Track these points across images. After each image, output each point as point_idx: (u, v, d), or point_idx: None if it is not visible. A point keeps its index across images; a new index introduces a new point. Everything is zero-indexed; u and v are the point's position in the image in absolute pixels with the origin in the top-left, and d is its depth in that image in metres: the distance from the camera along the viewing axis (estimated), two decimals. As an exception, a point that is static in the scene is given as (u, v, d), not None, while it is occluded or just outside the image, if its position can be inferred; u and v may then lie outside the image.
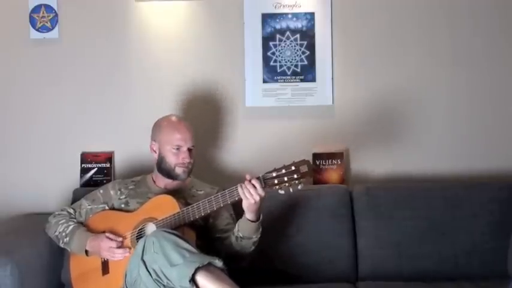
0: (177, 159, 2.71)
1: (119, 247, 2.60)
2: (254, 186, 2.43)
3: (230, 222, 2.68)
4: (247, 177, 2.45)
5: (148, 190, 2.78)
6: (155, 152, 2.78)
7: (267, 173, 2.43)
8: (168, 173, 2.74)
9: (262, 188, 2.43)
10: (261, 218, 2.55)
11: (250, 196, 2.43)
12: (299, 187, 2.40)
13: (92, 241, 2.65)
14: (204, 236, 2.64)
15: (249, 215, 2.51)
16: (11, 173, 3.20)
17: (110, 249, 2.60)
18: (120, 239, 2.62)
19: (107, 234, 2.63)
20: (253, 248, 2.60)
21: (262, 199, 2.46)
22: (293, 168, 2.39)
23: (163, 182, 2.79)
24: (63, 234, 2.71)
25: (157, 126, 2.80)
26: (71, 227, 2.72)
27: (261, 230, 2.58)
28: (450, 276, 2.82)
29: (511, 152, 3.18)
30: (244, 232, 2.56)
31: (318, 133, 3.19)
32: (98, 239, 2.64)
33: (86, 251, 2.67)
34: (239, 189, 2.45)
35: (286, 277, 2.82)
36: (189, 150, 2.73)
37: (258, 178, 2.44)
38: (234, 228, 2.60)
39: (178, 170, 2.72)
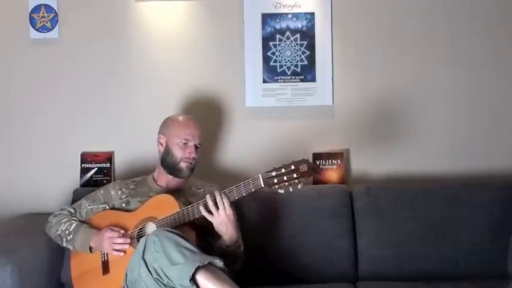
0: (183, 153, 2.72)
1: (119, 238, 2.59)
2: (218, 201, 2.46)
3: None
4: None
5: (150, 189, 2.78)
6: (162, 145, 2.79)
7: (266, 172, 2.42)
8: (173, 168, 2.74)
9: (229, 205, 2.46)
10: (238, 243, 2.55)
11: (213, 211, 2.46)
12: (299, 186, 2.40)
13: (95, 235, 2.64)
14: (204, 236, 2.64)
15: (223, 236, 2.52)
16: (11, 173, 3.20)
17: (111, 239, 2.58)
18: (123, 231, 2.62)
19: (111, 227, 2.63)
20: (236, 265, 2.57)
21: (227, 218, 2.46)
22: (292, 167, 2.38)
23: (165, 179, 2.79)
24: (67, 232, 2.70)
25: (167, 122, 2.82)
26: (74, 225, 2.71)
27: (241, 252, 2.58)
28: (450, 276, 2.81)
29: (511, 152, 3.18)
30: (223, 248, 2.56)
31: (318, 133, 3.19)
32: (101, 232, 2.64)
33: (90, 248, 2.66)
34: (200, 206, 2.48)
35: (286, 277, 2.82)
36: (196, 147, 2.74)
37: (224, 193, 2.47)
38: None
39: (183, 165, 2.73)
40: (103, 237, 2.61)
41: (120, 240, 2.58)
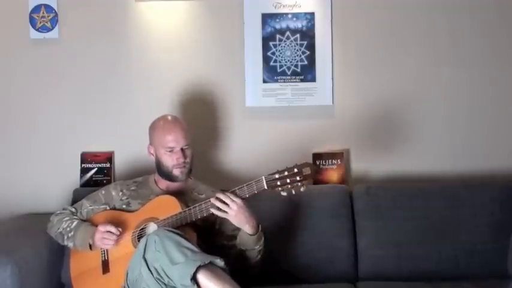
0: (172, 161, 2.70)
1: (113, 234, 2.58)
2: (223, 199, 2.45)
3: (237, 228, 2.58)
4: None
5: (151, 192, 2.77)
6: (152, 155, 2.78)
7: (269, 174, 2.41)
8: (168, 176, 2.74)
9: (236, 195, 2.45)
10: (260, 228, 2.53)
11: (224, 208, 2.45)
12: (301, 189, 2.40)
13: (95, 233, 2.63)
14: (205, 237, 2.63)
15: (244, 227, 2.50)
16: (11, 173, 3.20)
17: (102, 233, 2.57)
18: (114, 227, 2.59)
19: (103, 223, 2.62)
20: (259, 256, 2.58)
21: (241, 208, 2.45)
22: (296, 170, 2.38)
23: (165, 184, 2.78)
24: (68, 229, 2.69)
25: (151, 129, 2.79)
26: (75, 222, 2.71)
27: (263, 239, 2.56)
28: (450, 276, 2.82)
29: (511, 152, 3.18)
30: (245, 245, 2.55)
31: (318, 133, 3.19)
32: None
33: (90, 245, 2.65)
34: (210, 209, 2.48)
35: (286, 277, 2.82)
36: (183, 150, 2.72)
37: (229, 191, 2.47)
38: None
39: (176, 172, 2.71)
40: (97, 231, 2.60)
41: (112, 229, 2.56)
